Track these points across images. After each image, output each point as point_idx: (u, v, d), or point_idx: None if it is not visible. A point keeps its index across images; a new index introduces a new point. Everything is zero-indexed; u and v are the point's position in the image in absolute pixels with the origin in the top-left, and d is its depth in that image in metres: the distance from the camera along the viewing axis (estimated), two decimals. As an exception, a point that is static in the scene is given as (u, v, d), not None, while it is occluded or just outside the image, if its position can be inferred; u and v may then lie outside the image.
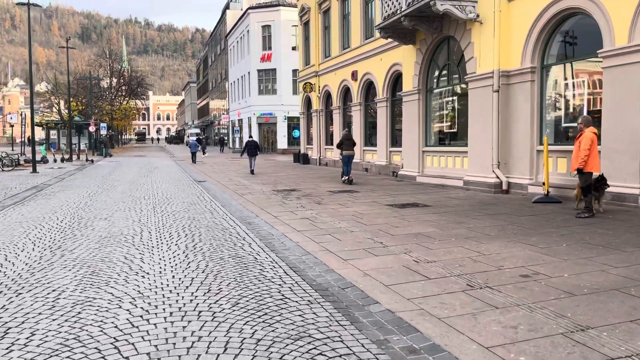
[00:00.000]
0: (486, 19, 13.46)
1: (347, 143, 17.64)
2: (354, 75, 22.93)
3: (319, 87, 27.58)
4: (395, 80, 20.01)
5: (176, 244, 7.53)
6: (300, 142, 31.72)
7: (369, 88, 22.45)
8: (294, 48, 44.94)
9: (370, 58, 21.44)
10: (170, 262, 6.47)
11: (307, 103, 30.17)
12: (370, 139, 22.61)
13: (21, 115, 59.67)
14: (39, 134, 54.47)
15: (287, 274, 5.92)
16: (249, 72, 48.57)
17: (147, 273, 5.95)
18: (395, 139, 20.28)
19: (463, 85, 15.08)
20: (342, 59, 24.39)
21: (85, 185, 16.75)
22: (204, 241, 7.77)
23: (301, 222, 9.49)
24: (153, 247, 7.37)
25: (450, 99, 15.87)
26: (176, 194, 14.44)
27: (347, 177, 16.84)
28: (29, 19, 21.81)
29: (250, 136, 26.44)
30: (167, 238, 8.01)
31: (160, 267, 6.23)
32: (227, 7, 62.72)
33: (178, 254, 6.92)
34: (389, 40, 19.08)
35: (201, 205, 11.98)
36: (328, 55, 26.49)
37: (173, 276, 5.82)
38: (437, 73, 16.56)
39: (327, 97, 27.12)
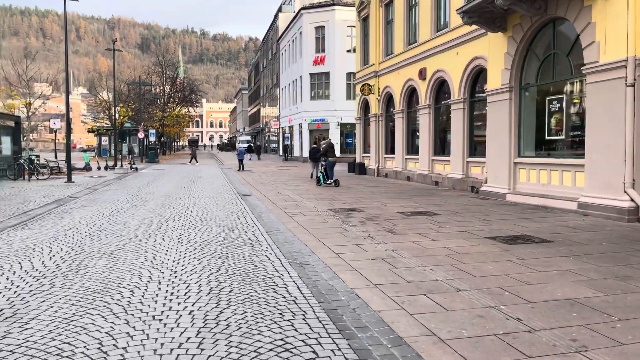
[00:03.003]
0: (616, -10, 10.17)
1: (331, 151, 19.47)
2: (421, 73, 19.87)
3: (379, 88, 24.65)
4: (476, 78, 16.82)
5: (190, 313, 4.80)
6: (356, 151, 28.86)
7: (439, 88, 19.33)
8: (349, 50, 42.29)
9: (443, 53, 18.34)
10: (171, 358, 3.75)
11: (365, 107, 27.30)
12: (440, 147, 19.44)
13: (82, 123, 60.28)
14: (93, 140, 54.39)
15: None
16: (300, 77, 46.25)
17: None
18: (474, 148, 17.06)
19: (577, 79, 11.78)
20: (406, 55, 21.39)
21: (113, 200, 14.53)
22: (234, 306, 5.02)
23: (375, 267, 6.60)
24: (154, 317, 4.67)
25: (556, 97, 12.56)
26: (214, 213, 11.88)
27: (332, 181, 18.80)
28: (65, 17, 20.15)
29: (315, 142, 26.00)
30: (181, 297, 5.31)
31: (148, 375, 3.51)
32: (279, 10, 60.90)
33: (189, 339, 4.19)
34: (469, 29, 15.98)
35: (240, 232, 9.31)
36: (390, 52, 23.54)
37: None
38: (536, 66, 13.29)
39: (388, 99, 24.14)
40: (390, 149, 23.97)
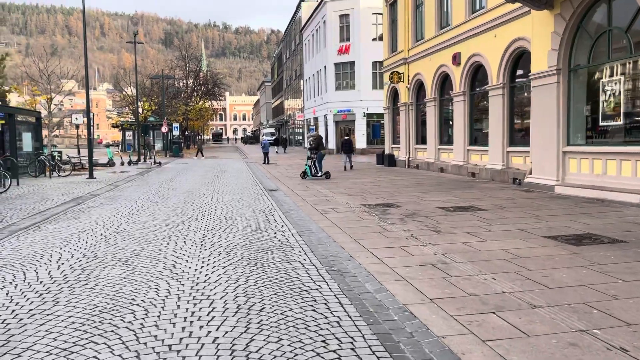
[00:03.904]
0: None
1: (322, 144, 19.69)
2: (455, 58, 18.70)
3: (409, 76, 23.52)
4: (516, 61, 15.63)
5: (214, 341, 3.96)
6: (385, 141, 27.79)
7: (475, 73, 18.15)
8: (375, 38, 41.07)
9: (479, 35, 17.15)
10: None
11: (394, 96, 26.19)
12: (477, 136, 18.29)
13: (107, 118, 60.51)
14: (118, 136, 54.46)
15: None
16: (325, 67, 45.21)
17: None
18: (515, 136, 15.89)
19: (637, 59, 10.57)
20: (439, 40, 20.22)
21: (134, 197, 13.88)
22: (266, 330, 4.16)
23: (427, 276, 5.69)
24: (170, 348, 3.85)
25: (612, 79, 11.35)
26: (239, 211, 11.08)
27: (323, 173, 18.64)
28: (83, 14, 19.56)
29: (347, 134, 26.55)
30: (203, 317, 4.48)
31: None
32: (302, 0, 59.86)
33: (210, 378, 3.35)
34: (508, 9, 14.83)
35: (269, 233, 8.47)
36: (420, 38, 22.38)
37: None
38: (588, 45, 12.08)
39: (419, 87, 23.00)
40: (422, 139, 22.87)
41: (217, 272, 5.97)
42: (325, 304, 4.83)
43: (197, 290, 5.26)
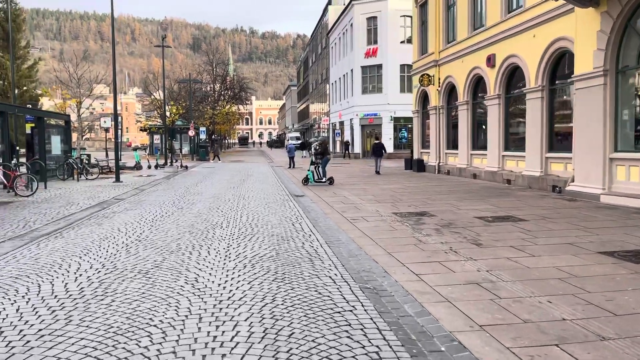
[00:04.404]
0: None
1: (328, 149, 19.38)
2: (489, 60, 17.98)
3: (439, 79, 22.84)
4: (557, 62, 14.87)
5: (237, 374, 3.49)
6: (414, 146, 27.09)
7: (511, 76, 17.40)
8: (403, 41, 40.42)
9: (516, 36, 16.41)
10: None
11: (423, 99, 25.51)
12: (513, 141, 17.52)
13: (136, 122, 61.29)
14: (147, 139, 54.94)
15: None
16: (351, 70, 44.71)
17: None
18: (554, 141, 15.10)
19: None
20: (472, 42, 19.52)
21: (159, 202, 13.60)
22: (296, 361, 3.68)
23: (472, 297, 5.13)
24: (187, 380, 3.39)
25: (667, 80, 10.55)
26: (265, 217, 10.65)
27: (327, 179, 18.12)
28: (112, 14, 19.53)
29: (377, 138, 25.50)
30: (226, 344, 4.02)
31: None
32: (329, 3, 59.50)
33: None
34: (548, 7, 14.12)
35: (297, 242, 8.00)
36: (452, 39, 21.70)
37: None
38: (637, 45, 11.30)
39: (450, 90, 22.31)
40: (453, 144, 22.15)
41: (241, 287, 5.51)
42: (362, 329, 4.32)
43: (220, 309, 4.80)
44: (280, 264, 6.56)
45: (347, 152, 42.96)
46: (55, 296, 5.21)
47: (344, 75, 48.37)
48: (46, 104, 47.76)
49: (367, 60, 42.60)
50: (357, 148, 43.32)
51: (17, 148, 19.91)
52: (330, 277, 5.99)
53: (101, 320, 4.49)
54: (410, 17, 37.33)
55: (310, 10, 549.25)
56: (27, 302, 5.03)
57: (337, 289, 5.51)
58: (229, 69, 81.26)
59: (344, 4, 51.21)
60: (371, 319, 4.59)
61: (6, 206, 12.52)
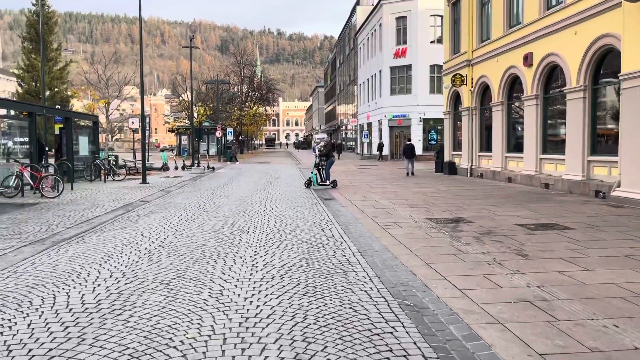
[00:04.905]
0: None
1: (332, 150, 18.93)
2: (527, 59, 17.20)
3: (472, 79, 22.08)
4: (600, 61, 14.04)
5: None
6: (445, 148, 26.32)
7: (550, 75, 16.59)
8: (433, 41, 39.64)
9: (556, 34, 15.63)
10: None
11: (455, 100, 24.76)
12: (551, 143, 16.70)
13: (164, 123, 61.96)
14: (175, 140, 55.28)
15: None
16: (380, 71, 44.06)
17: None
18: (597, 144, 14.28)
19: None
20: (507, 40, 18.75)
21: (184, 205, 13.31)
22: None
23: (526, 317, 4.58)
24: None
25: None
26: (294, 222, 10.22)
27: (330, 182, 17.50)
28: (140, 18, 19.44)
29: (409, 139, 26.12)
30: (251, 370, 3.58)
31: None
32: (357, 3, 58.95)
33: None
34: (592, 3, 13.39)
35: (327, 250, 7.53)
36: (486, 38, 20.94)
37: None
38: (695, 39, 10.48)
39: (484, 91, 21.53)
40: (486, 146, 21.36)
41: (269, 303, 5.07)
42: (405, 357, 3.82)
43: (247, 328, 4.37)
44: (311, 275, 6.11)
45: (381, 154, 41.64)
46: (70, 309, 4.86)
47: (372, 76, 47.76)
48: (76, 105, 48.53)
49: (396, 61, 41.91)
50: (386, 149, 42.64)
51: (47, 149, 20.01)
52: (365, 291, 5.50)
53: (116, 340, 4.10)
54: (441, 16, 36.55)
55: (337, 11, 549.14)
56: (40, 316, 4.68)
57: (374, 305, 5.02)
58: (257, 70, 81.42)
59: (373, 5, 50.60)
60: (414, 343, 4.09)
61: (31, 208, 12.41)
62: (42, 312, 4.79)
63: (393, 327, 4.42)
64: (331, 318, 4.63)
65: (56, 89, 40.83)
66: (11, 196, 14.36)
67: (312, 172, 17.85)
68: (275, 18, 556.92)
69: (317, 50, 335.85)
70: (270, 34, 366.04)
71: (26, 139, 17.26)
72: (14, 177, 14.70)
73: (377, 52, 45.44)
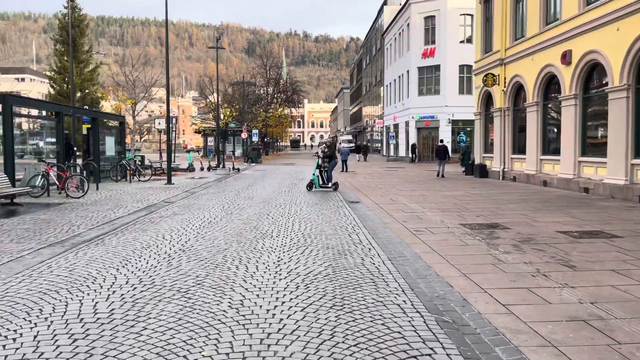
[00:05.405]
0: None
1: (335, 152, 18.14)
2: (565, 57, 16.41)
3: (505, 78, 21.32)
4: (646, 58, 13.21)
5: None
6: (475, 150, 25.56)
7: (590, 73, 15.79)
8: (463, 41, 38.80)
9: (597, 30, 14.85)
10: None
11: (486, 101, 23.99)
12: (590, 146, 15.89)
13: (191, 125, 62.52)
14: (201, 141, 55.54)
15: None
16: (407, 71, 43.34)
17: None
18: (642, 146, 13.46)
19: None
20: (543, 37, 17.98)
21: (208, 206, 13.02)
22: None
23: (583, 341, 4.06)
24: None
25: None
26: (319, 226, 9.80)
27: (332, 184, 17.04)
28: (167, 22, 19.33)
29: (441, 140, 26.01)
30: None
31: None
32: (384, 3, 58.31)
33: None
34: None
35: (355, 258, 7.08)
36: (520, 36, 20.17)
37: None
38: None
39: (517, 91, 20.76)
40: (519, 148, 20.57)
41: (294, 316, 4.64)
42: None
43: (269, 346, 3.95)
44: (338, 285, 5.66)
45: (414, 155, 40.27)
46: (81, 319, 4.52)
47: (399, 77, 47.06)
48: (105, 106, 49.16)
49: (424, 61, 41.15)
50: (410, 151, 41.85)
51: (75, 149, 20.08)
52: (398, 304, 5.03)
53: (126, 357, 3.73)
54: (471, 15, 35.73)
55: (363, 13, 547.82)
56: (49, 326, 4.36)
57: (409, 322, 4.55)
58: (282, 72, 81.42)
59: (400, 4, 49.92)
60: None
61: (55, 208, 12.29)
62: (52, 321, 4.47)
63: (432, 349, 3.95)
64: (362, 336, 4.18)
65: (87, 91, 41.36)
66: (37, 196, 14.33)
67: (313, 174, 17.33)
68: (301, 20, 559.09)
69: (343, 52, 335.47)
70: (296, 36, 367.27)
71: (55, 139, 17.29)
72: (39, 176, 14.68)
73: (405, 53, 44.74)
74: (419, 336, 4.21)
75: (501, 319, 4.62)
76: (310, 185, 17.17)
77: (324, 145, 18.83)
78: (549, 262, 6.72)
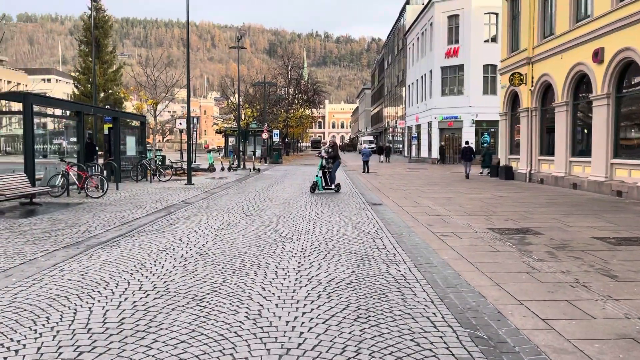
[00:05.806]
0: None
1: (338, 152, 17.77)
2: (597, 55, 15.77)
3: (532, 78, 20.67)
4: (687, 54, 12.54)
5: None
6: (500, 152, 24.91)
7: (623, 72, 15.13)
8: (487, 40, 38.06)
9: (631, 27, 14.21)
10: None
11: (512, 101, 23.33)
12: (623, 147, 15.22)
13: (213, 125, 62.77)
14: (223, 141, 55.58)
15: None
16: (430, 71, 42.69)
17: None
18: (681, 148, 12.77)
19: None
20: (574, 35, 17.33)
21: (228, 207, 12.78)
22: None
23: (644, 368, 3.61)
24: None
25: None
26: (341, 229, 9.45)
27: (335, 185, 16.64)
28: (187, 23, 19.22)
29: (467, 142, 25.36)
30: None
31: None
32: (407, 2, 57.65)
33: None
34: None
35: (380, 264, 6.71)
36: (549, 34, 19.52)
37: None
38: None
39: (545, 90, 20.10)
40: (547, 149, 19.91)
41: (315, 329, 4.31)
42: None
43: (286, 365, 3.62)
44: (362, 295, 5.31)
45: (442, 156, 39.06)
46: (89, 329, 4.26)
47: (422, 77, 46.42)
48: (128, 106, 49.59)
49: (447, 61, 40.45)
50: (435, 152, 41.23)
51: (97, 149, 20.09)
52: (428, 317, 4.66)
53: (133, 374, 3.45)
54: (496, 14, 34.99)
55: (385, 14, 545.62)
56: (54, 336, 4.10)
57: (440, 337, 4.18)
58: (303, 72, 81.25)
59: (423, 4, 49.27)
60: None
61: (74, 208, 12.19)
62: (58, 331, 4.21)
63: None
64: (389, 353, 3.82)
65: (110, 91, 41.75)
66: (57, 195, 14.29)
67: (317, 176, 16.78)
68: (322, 21, 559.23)
69: (364, 53, 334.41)
70: (318, 36, 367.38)
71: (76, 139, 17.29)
72: (59, 176, 14.64)
73: (428, 52, 44.10)
74: (453, 355, 3.84)
75: (542, 336, 4.22)
76: (313, 188, 16.57)
77: (327, 146, 18.47)
78: (588, 272, 6.26)
